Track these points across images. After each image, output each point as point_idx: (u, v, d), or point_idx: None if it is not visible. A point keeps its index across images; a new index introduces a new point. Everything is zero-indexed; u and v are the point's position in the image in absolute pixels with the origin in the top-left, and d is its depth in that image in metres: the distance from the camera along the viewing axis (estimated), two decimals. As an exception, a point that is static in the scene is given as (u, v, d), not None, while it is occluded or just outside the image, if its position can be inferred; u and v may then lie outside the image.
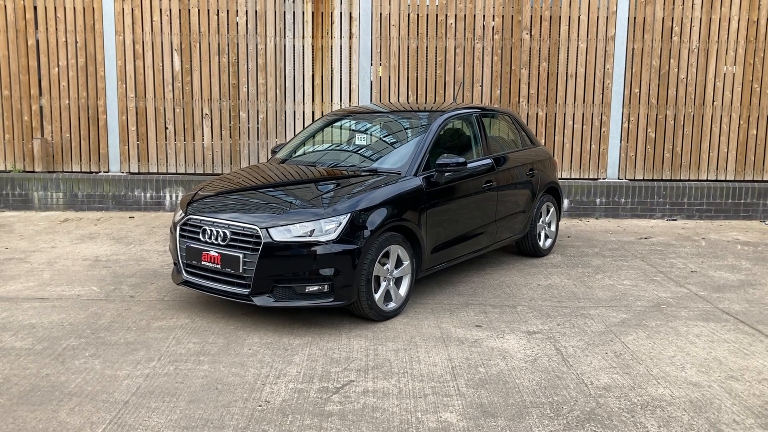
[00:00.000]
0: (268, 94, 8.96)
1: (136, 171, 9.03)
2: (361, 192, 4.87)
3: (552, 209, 6.96)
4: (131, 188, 8.85)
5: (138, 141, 8.99)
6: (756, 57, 8.87)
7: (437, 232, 5.31)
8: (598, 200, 8.90)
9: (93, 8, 8.77)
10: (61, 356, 4.21)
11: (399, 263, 4.98)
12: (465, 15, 8.83)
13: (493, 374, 4.02)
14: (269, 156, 8.72)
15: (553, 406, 3.64)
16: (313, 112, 9.01)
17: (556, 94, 8.96)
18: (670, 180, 9.07)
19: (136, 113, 8.94)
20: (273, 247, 4.51)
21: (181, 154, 9.02)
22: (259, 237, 4.54)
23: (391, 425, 3.42)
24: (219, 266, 4.67)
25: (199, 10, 8.79)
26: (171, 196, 8.87)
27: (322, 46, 8.90)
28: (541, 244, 6.79)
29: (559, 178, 8.70)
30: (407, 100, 8.97)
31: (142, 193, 8.85)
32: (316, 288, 4.55)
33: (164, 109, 8.94)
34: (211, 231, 4.74)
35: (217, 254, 4.67)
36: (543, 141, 8.98)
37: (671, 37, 8.85)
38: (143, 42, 8.83)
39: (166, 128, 8.98)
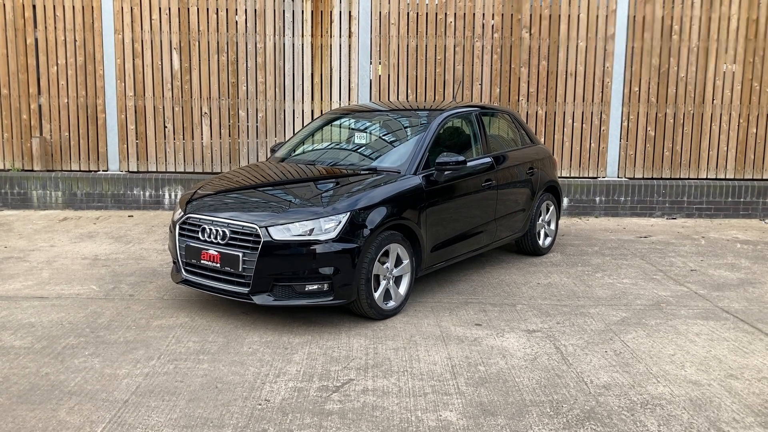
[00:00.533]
0: (268, 92, 8.95)
1: (135, 170, 9.02)
2: (360, 191, 4.86)
3: (552, 208, 6.96)
4: (130, 187, 8.84)
5: (137, 140, 8.98)
6: (755, 55, 8.87)
7: (437, 230, 5.30)
8: (597, 199, 8.89)
9: (92, 7, 8.76)
10: (60, 355, 4.20)
11: (399, 262, 4.97)
12: (465, 13, 8.82)
13: (492, 373, 4.02)
14: (268, 155, 8.72)
15: (552, 405, 3.64)
16: (312, 111, 9.01)
17: (556, 92, 8.95)
18: (670, 178, 9.07)
19: (135, 112, 8.94)
20: (272, 245, 4.51)
21: (180, 153, 9.01)
22: (258, 236, 4.53)
23: (391, 424, 3.41)
24: (218, 265, 4.67)
25: (198, 9, 8.78)
26: (170, 195, 8.86)
27: (321, 44, 8.90)
28: (540, 242, 6.78)
29: (559, 177, 8.70)
30: (407, 98, 8.96)
31: (141, 192, 8.85)
32: (315, 287, 4.55)
33: (163, 107, 8.93)
34: (211, 230, 4.74)
35: (216, 253, 4.67)
36: (542, 139, 8.98)
37: (671, 36, 8.84)
38: (142, 41, 8.82)
39: (165, 127, 8.97)
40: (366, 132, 6.20)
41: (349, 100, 8.98)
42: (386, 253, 4.86)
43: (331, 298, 4.58)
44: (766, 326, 4.89)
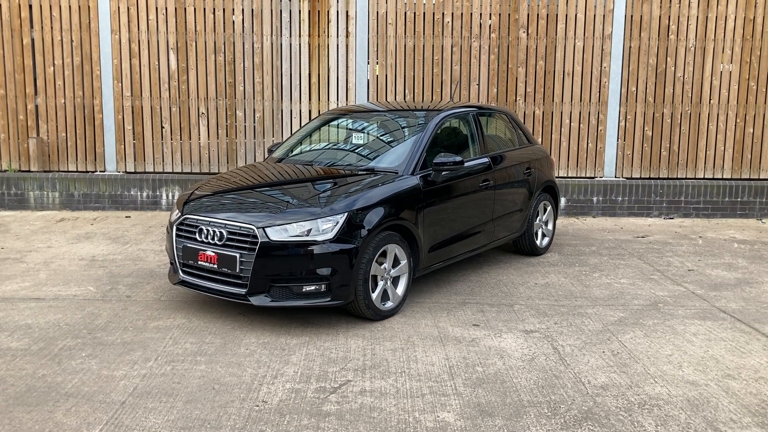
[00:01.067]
0: (265, 92, 8.94)
1: (133, 170, 9.01)
2: (358, 191, 4.86)
3: (549, 208, 6.96)
4: (127, 187, 8.83)
5: (134, 140, 8.97)
6: (752, 55, 8.88)
7: (434, 231, 5.30)
8: (595, 199, 8.90)
9: (88, 7, 8.74)
10: (57, 357, 4.19)
11: (396, 262, 4.97)
12: (462, 13, 8.82)
13: (490, 373, 4.02)
14: (266, 155, 8.72)
15: (550, 405, 3.64)
16: (309, 111, 9.00)
17: (553, 92, 8.96)
18: (667, 178, 9.08)
19: (132, 112, 8.92)
20: (270, 246, 4.50)
21: (178, 153, 9.00)
22: (255, 236, 4.53)
23: (389, 425, 3.41)
24: (216, 266, 4.66)
25: (195, 9, 8.77)
26: (167, 196, 8.85)
27: (318, 44, 8.89)
28: (538, 242, 6.79)
29: (556, 177, 8.71)
30: (404, 98, 8.96)
31: (139, 193, 8.83)
32: (313, 287, 4.54)
33: (160, 108, 8.92)
34: (208, 230, 4.73)
35: (213, 254, 4.66)
36: (540, 139, 8.98)
37: (668, 36, 8.85)
38: (139, 41, 8.80)
39: (162, 127, 8.96)
40: (363, 132, 6.20)
41: (347, 100, 8.98)
42: (384, 254, 4.86)
43: (329, 298, 4.57)
44: (764, 326, 4.89)
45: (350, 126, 6.30)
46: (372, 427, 3.39)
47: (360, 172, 5.32)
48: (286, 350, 4.34)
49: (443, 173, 5.41)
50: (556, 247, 7.15)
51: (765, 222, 8.78)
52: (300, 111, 9.00)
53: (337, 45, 8.89)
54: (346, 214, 4.62)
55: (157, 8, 8.75)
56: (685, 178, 9.08)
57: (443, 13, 8.83)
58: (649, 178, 9.07)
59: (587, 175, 9.09)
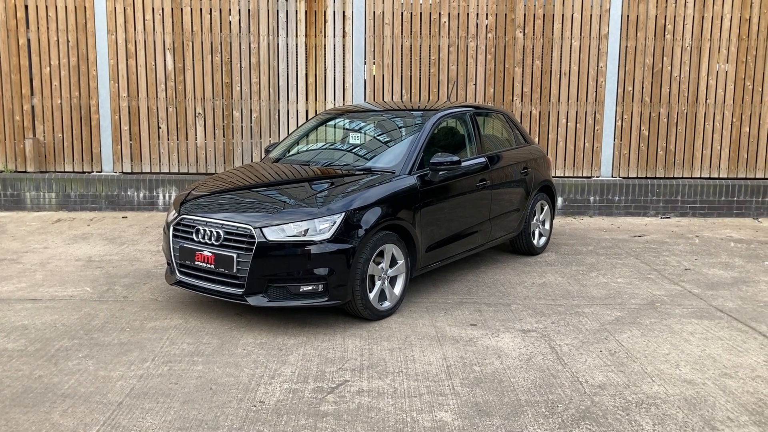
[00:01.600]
0: (262, 93, 8.93)
1: (129, 171, 8.99)
2: (355, 191, 4.86)
3: (546, 207, 6.97)
4: (124, 188, 8.81)
5: (131, 140, 8.95)
6: (748, 55, 8.90)
7: (432, 230, 5.30)
8: (591, 198, 8.91)
9: (85, 7, 8.72)
10: (54, 357, 4.18)
11: (393, 262, 4.97)
12: (458, 13, 8.83)
13: (488, 373, 4.02)
14: (263, 155, 8.71)
15: (548, 405, 3.64)
16: (306, 111, 8.99)
17: (550, 92, 8.97)
18: (664, 178, 9.09)
19: (129, 113, 8.91)
20: (267, 246, 4.50)
21: (174, 154, 8.99)
22: (252, 237, 4.52)
23: (387, 425, 3.41)
24: (212, 266, 4.65)
25: (191, 9, 8.76)
26: (164, 196, 8.83)
27: (315, 44, 8.88)
28: (535, 242, 6.79)
29: (553, 177, 8.71)
30: (401, 98, 8.96)
31: (135, 193, 8.82)
32: (310, 288, 4.54)
33: (157, 108, 8.91)
34: (205, 231, 4.72)
35: (210, 254, 4.65)
36: (537, 139, 8.99)
37: (664, 35, 8.87)
38: (136, 41, 8.79)
39: (159, 128, 8.95)
40: (360, 132, 6.20)
41: (344, 100, 8.98)
42: (381, 254, 4.85)
43: (326, 298, 4.57)
44: (760, 325, 4.90)
45: (347, 126, 6.30)
46: (370, 427, 3.39)
47: (357, 172, 5.31)
48: (284, 350, 4.33)
49: (440, 173, 5.41)
50: (553, 247, 7.16)
51: (761, 221, 8.79)
52: (297, 111, 9.00)
53: (334, 45, 8.89)
54: (343, 214, 4.62)
55: (153, 9, 8.74)
56: (682, 178, 9.09)
57: (440, 13, 8.83)
58: (646, 178, 9.09)
59: (584, 175, 9.10)
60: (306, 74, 8.94)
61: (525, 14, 8.84)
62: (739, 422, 3.47)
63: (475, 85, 8.94)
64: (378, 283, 4.85)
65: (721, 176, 9.11)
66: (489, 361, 4.20)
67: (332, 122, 6.40)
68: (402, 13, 8.83)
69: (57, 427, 3.36)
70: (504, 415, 3.52)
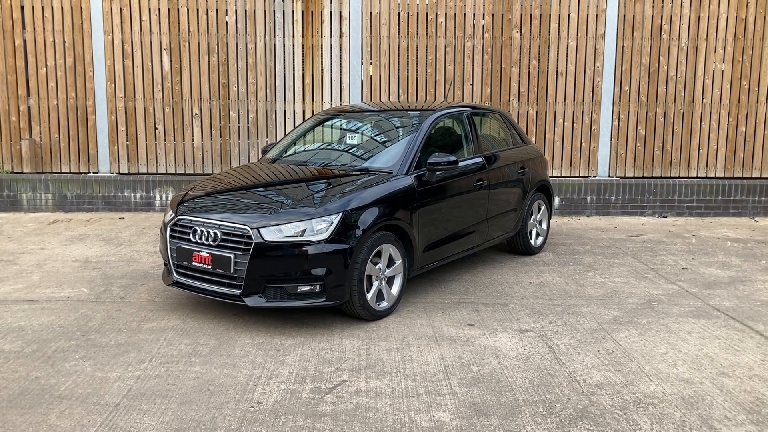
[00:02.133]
0: (258, 93, 8.93)
1: (126, 171, 8.98)
2: (352, 191, 4.85)
3: (543, 207, 6.97)
4: (121, 189, 8.80)
5: (127, 141, 8.94)
6: (744, 54, 8.92)
7: (429, 230, 5.30)
8: (588, 198, 8.92)
9: (81, 8, 8.71)
10: (50, 359, 4.17)
11: (391, 262, 4.97)
12: (455, 13, 8.83)
13: (485, 373, 4.02)
14: (260, 155, 8.69)
15: (545, 404, 3.64)
16: (303, 112, 8.99)
17: (547, 92, 8.97)
18: (661, 177, 9.11)
19: (126, 113, 8.89)
20: (264, 247, 4.49)
21: (171, 154, 8.97)
22: (250, 237, 4.52)
23: (384, 425, 3.41)
24: (210, 267, 4.64)
25: (188, 10, 8.75)
26: (161, 197, 8.82)
27: (312, 45, 8.88)
28: (532, 242, 6.79)
29: (550, 176, 8.72)
30: (398, 98, 8.96)
31: (132, 194, 8.81)
32: (307, 288, 4.53)
33: (154, 109, 8.90)
34: (202, 231, 4.72)
35: (207, 255, 4.65)
36: (534, 139, 9.00)
37: (660, 35, 8.88)
38: (132, 42, 8.77)
39: (155, 128, 8.93)
40: (357, 132, 6.19)
41: (341, 100, 8.97)
42: (378, 254, 4.85)
43: (324, 299, 4.56)
44: (757, 324, 4.91)
45: (344, 126, 6.29)
46: (367, 427, 3.39)
47: (354, 172, 5.31)
48: (281, 351, 4.33)
49: (437, 173, 5.41)
50: (550, 247, 7.16)
51: (758, 220, 8.81)
52: (294, 111, 8.99)
53: (331, 45, 8.88)
54: (340, 214, 4.62)
55: (150, 9, 8.73)
56: (679, 177, 9.11)
57: (437, 14, 8.83)
58: (643, 177, 9.10)
59: (581, 175, 9.11)
60: (303, 74, 8.93)
61: (521, 14, 8.84)
62: (737, 421, 3.48)
63: (472, 85, 8.94)
64: (375, 284, 4.85)
65: (717, 176, 9.13)
66: (487, 360, 4.20)
67: (329, 122, 6.40)
68: (399, 13, 8.83)
69: (54, 428, 3.35)
70: (502, 415, 3.52)
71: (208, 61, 8.83)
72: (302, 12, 8.82)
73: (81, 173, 8.96)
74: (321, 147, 6.17)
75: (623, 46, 8.89)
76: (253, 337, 4.54)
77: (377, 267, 4.85)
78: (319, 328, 4.72)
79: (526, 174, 6.60)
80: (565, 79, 8.94)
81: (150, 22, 8.75)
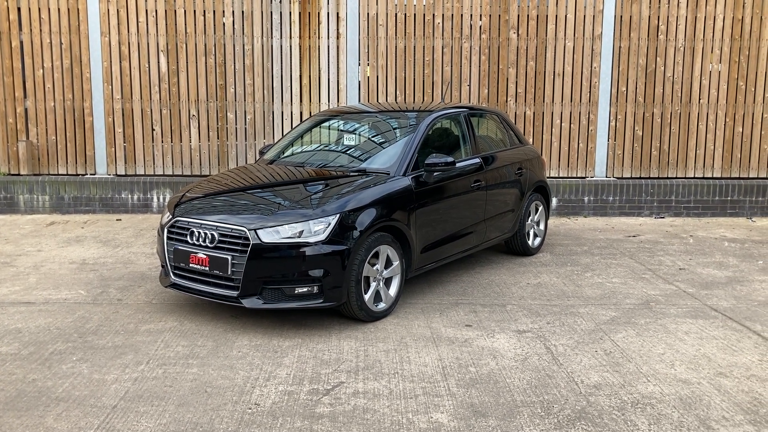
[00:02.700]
0: (256, 94, 8.92)
1: (123, 173, 8.96)
2: (349, 192, 4.85)
3: (541, 208, 6.98)
4: (118, 190, 8.78)
5: (125, 143, 8.93)
6: (741, 55, 8.94)
7: (427, 231, 5.30)
8: (586, 198, 8.92)
9: (78, 9, 8.70)
10: (48, 361, 4.16)
11: (389, 263, 4.96)
12: (452, 14, 8.83)
13: (483, 374, 4.02)
14: (257, 157, 8.69)
15: (543, 405, 3.64)
16: (301, 113, 8.99)
17: (544, 92, 8.98)
18: (658, 178, 9.12)
19: (123, 115, 8.88)
20: (261, 248, 4.49)
21: (169, 156, 8.96)
22: (247, 239, 4.51)
23: (382, 426, 3.40)
24: (207, 268, 4.64)
25: (185, 11, 8.74)
26: (158, 198, 8.81)
27: (309, 46, 8.88)
28: (530, 242, 6.80)
29: (548, 177, 8.72)
30: (395, 99, 8.96)
31: (130, 195, 8.79)
32: (305, 289, 4.53)
33: (151, 110, 8.88)
34: (199, 233, 4.71)
35: (205, 256, 4.64)
36: (531, 140, 9.00)
37: (657, 36, 8.89)
38: (129, 43, 8.76)
39: (153, 130, 8.92)
40: (355, 133, 6.19)
41: (338, 101, 8.97)
42: (376, 255, 4.85)
43: (321, 300, 4.56)
44: (755, 324, 4.91)
45: (342, 127, 6.29)
46: (365, 428, 3.39)
47: (352, 174, 5.31)
48: (279, 352, 4.32)
49: (435, 174, 5.41)
50: (547, 247, 7.16)
51: (755, 220, 8.83)
52: (291, 113, 8.99)
53: (328, 46, 8.88)
54: (338, 215, 4.61)
55: (147, 10, 8.72)
56: (676, 178, 9.12)
57: (434, 15, 8.83)
58: (640, 178, 9.11)
59: (578, 175, 9.12)
60: (300, 76, 8.93)
61: (519, 15, 8.85)
62: (735, 421, 3.48)
63: (470, 85, 8.95)
64: (373, 285, 4.84)
65: (714, 176, 9.14)
66: (484, 361, 4.20)
67: (327, 123, 6.39)
68: (396, 14, 8.83)
69: (51, 431, 3.34)
70: (500, 416, 3.52)
71: (206, 63, 8.82)
72: (299, 13, 8.82)
73: (78, 175, 8.95)
74: (318, 148, 6.17)
75: (620, 47, 8.90)
76: (250, 339, 4.53)
77: (375, 268, 4.85)
78: (316, 330, 4.72)
79: (523, 175, 6.60)
80: (563, 79, 8.95)
81: (147, 24, 8.74)
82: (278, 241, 4.50)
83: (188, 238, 4.76)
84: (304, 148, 6.21)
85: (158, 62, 8.80)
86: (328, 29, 8.85)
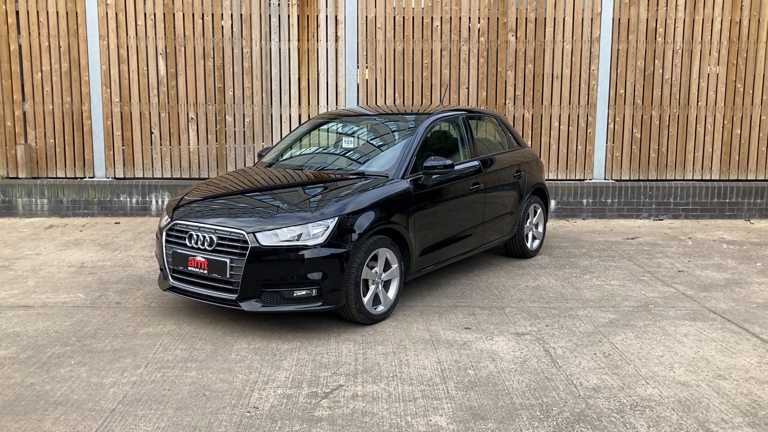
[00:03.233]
0: (254, 97, 8.92)
1: (122, 176, 8.96)
2: (348, 195, 4.85)
3: (539, 210, 6.98)
4: (117, 193, 8.78)
5: (123, 146, 8.93)
6: (739, 57, 8.95)
7: (425, 234, 5.30)
8: (584, 201, 8.93)
9: (76, 12, 8.70)
10: (46, 364, 4.16)
11: (387, 266, 4.96)
12: (450, 17, 8.84)
13: (482, 376, 4.02)
14: (256, 160, 8.69)
15: (542, 408, 3.63)
16: (299, 116, 8.99)
17: (542, 95, 8.99)
18: (656, 180, 9.12)
19: (121, 118, 8.88)
20: (260, 251, 4.49)
21: (167, 159, 8.96)
22: (246, 242, 4.51)
23: (381, 430, 3.40)
24: (206, 271, 4.63)
25: (183, 14, 8.74)
26: (157, 201, 8.80)
27: (308, 49, 8.88)
28: (528, 245, 6.80)
29: (546, 180, 8.73)
30: (394, 102, 8.96)
31: (128, 199, 8.79)
32: (304, 292, 4.53)
33: (149, 113, 8.88)
34: (198, 236, 4.71)
35: (203, 259, 4.64)
36: (529, 142, 9.01)
37: (655, 38, 8.91)
38: (128, 46, 8.77)
39: (151, 133, 8.92)
40: (353, 136, 6.19)
41: (337, 104, 8.97)
42: (375, 258, 4.85)
43: (320, 303, 4.56)
44: (753, 326, 4.92)
45: (340, 130, 6.29)
46: (364, 431, 3.38)
47: (350, 176, 5.31)
48: (278, 355, 4.32)
49: (434, 177, 5.41)
50: (546, 250, 7.17)
51: (753, 222, 8.83)
52: (290, 115, 8.99)
53: (327, 49, 8.89)
54: (336, 218, 4.61)
55: (145, 14, 8.72)
56: (674, 180, 9.13)
57: (432, 17, 8.84)
58: (638, 180, 9.12)
59: (577, 178, 9.13)
60: (299, 79, 8.94)
61: (517, 18, 8.86)
62: (734, 424, 3.48)
63: (468, 88, 8.96)
64: (372, 288, 4.84)
65: (713, 178, 9.15)
66: (483, 364, 4.20)
67: (325, 126, 6.39)
68: (394, 17, 8.84)
69: (49, 434, 3.34)
70: (499, 419, 3.51)
71: (204, 66, 8.83)
72: (298, 16, 8.83)
73: (76, 178, 8.94)
74: (317, 151, 6.17)
75: (618, 50, 8.91)
76: (249, 342, 4.53)
77: (374, 271, 4.84)
78: (315, 333, 4.71)
79: (522, 177, 6.61)
80: (561, 82, 8.96)
81: (145, 27, 8.74)
82: (277, 244, 4.50)
83: (187, 242, 4.76)
84: (303, 151, 6.21)
85: (157, 65, 8.81)
86: (327, 32, 8.86)
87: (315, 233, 4.54)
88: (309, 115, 8.92)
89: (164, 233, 4.94)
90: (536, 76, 8.95)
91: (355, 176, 5.31)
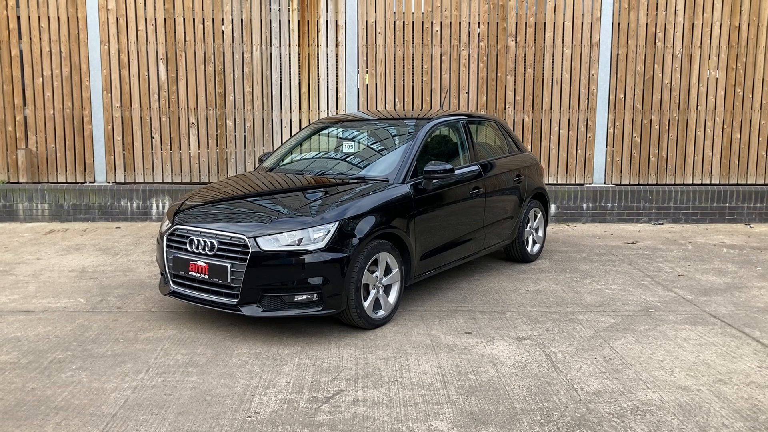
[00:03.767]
0: (255, 102, 8.94)
1: (123, 181, 8.97)
2: (349, 200, 4.86)
3: (539, 215, 6.99)
4: (117, 198, 8.79)
5: (124, 151, 8.94)
6: (738, 62, 8.97)
7: (426, 239, 5.31)
8: (585, 205, 8.94)
9: (77, 18, 8.73)
10: (47, 369, 4.16)
11: (388, 271, 4.97)
12: (450, 22, 8.87)
13: (483, 381, 4.02)
14: (256, 164, 8.71)
15: (543, 413, 3.64)
16: (300, 120, 9.01)
17: (542, 100, 9.01)
18: (656, 184, 9.13)
19: (122, 123, 8.90)
20: (261, 256, 4.49)
21: (168, 164, 8.98)
22: (246, 246, 4.52)
23: (382, 434, 3.40)
24: (206, 276, 4.64)
25: (184, 19, 8.77)
26: (158, 206, 8.81)
27: (308, 54, 8.91)
28: (529, 249, 6.80)
29: (546, 184, 8.74)
30: (394, 107, 8.98)
31: (129, 203, 8.80)
32: (304, 297, 4.53)
33: (150, 118, 8.90)
34: (198, 241, 4.71)
35: (204, 264, 4.64)
36: (529, 147, 9.02)
37: (655, 43, 8.93)
38: (128, 51, 8.79)
39: (152, 137, 8.94)
40: (354, 141, 6.20)
41: (337, 109, 8.99)
42: (375, 262, 4.85)
43: (321, 308, 4.56)
44: (754, 330, 4.92)
45: (341, 135, 6.31)
46: (365, 436, 3.38)
47: (351, 181, 5.32)
48: (279, 360, 4.32)
49: (434, 181, 5.42)
50: (546, 254, 7.17)
51: (753, 227, 8.84)
52: (290, 120, 9.01)
53: (327, 54, 8.91)
54: (337, 223, 4.62)
55: (146, 19, 8.75)
56: (674, 184, 9.14)
57: (432, 22, 8.87)
58: (638, 184, 9.13)
59: (577, 182, 9.14)
60: (299, 83, 8.95)
61: (516, 23, 8.88)
62: (734, 428, 3.48)
63: (468, 93, 8.97)
64: (372, 292, 4.85)
65: (713, 182, 9.16)
66: (484, 369, 4.20)
67: (325, 131, 6.41)
68: (394, 22, 8.86)
69: (50, 440, 3.34)
70: (499, 424, 3.52)
71: (205, 71, 8.85)
72: (298, 21, 8.85)
73: (77, 183, 8.95)
74: (317, 156, 6.18)
75: (618, 54, 8.93)
76: (250, 347, 4.53)
77: (374, 275, 4.85)
78: (316, 338, 4.72)
79: (522, 182, 6.62)
80: (560, 87, 8.98)
81: (146, 32, 8.77)
82: (277, 248, 4.51)
83: (188, 246, 4.77)
84: (303, 156, 6.23)
85: (158, 70, 8.83)
86: (327, 37, 8.88)
87: (316, 238, 4.55)
88: (309, 120, 8.94)
89: (165, 238, 4.95)
90: (536, 80, 8.97)
91: (356, 181, 5.32)
